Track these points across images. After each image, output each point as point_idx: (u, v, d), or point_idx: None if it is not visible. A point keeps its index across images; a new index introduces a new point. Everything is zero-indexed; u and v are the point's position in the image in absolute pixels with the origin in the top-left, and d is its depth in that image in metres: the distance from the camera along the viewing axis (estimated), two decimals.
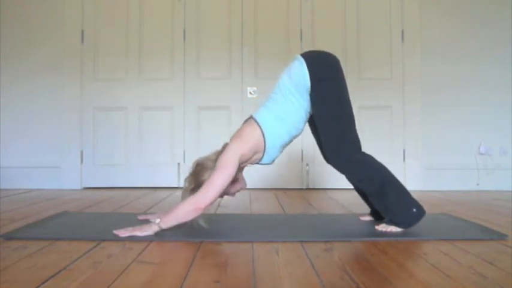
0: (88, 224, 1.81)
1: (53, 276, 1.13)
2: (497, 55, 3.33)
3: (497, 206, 2.43)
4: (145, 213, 2.12)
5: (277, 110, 1.71)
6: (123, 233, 1.57)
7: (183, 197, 1.67)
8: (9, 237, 1.56)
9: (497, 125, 3.32)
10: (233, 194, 1.83)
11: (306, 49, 3.36)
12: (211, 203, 1.57)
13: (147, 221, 1.73)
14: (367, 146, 3.44)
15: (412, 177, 3.30)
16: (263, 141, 1.69)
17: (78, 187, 3.33)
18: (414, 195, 1.72)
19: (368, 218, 1.92)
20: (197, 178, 1.67)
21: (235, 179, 1.74)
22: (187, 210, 1.56)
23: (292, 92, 1.70)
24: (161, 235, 1.57)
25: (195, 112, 3.37)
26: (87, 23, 3.39)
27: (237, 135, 1.71)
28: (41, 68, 3.36)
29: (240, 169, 1.74)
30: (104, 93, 3.37)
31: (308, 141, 3.27)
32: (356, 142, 1.74)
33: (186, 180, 1.72)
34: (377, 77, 3.37)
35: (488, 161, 3.32)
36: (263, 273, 1.16)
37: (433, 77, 3.34)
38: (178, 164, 3.35)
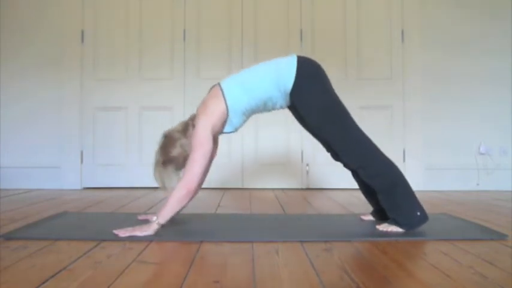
0: (88, 224, 1.81)
1: (53, 276, 1.13)
2: (498, 55, 3.33)
3: (497, 206, 2.43)
4: (145, 213, 2.12)
5: (245, 80, 1.73)
6: (123, 233, 1.57)
7: (155, 172, 1.72)
8: (9, 237, 1.56)
9: (497, 125, 3.32)
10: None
11: (306, 49, 3.37)
12: (199, 182, 1.64)
13: (147, 221, 1.73)
14: None
15: (412, 177, 3.29)
16: (226, 112, 1.71)
17: (78, 187, 3.33)
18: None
19: (369, 218, 1.92)
20: (165, 150, 1.72)
21: (214, 144, 1.79)
22: (180, 196, 1.59)
23: (271, 77, 1.71)
24: (161, 235, 1.57)
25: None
26: (87, 23, 3.39)
27: (202, 107, 1.73)
28: (40, 68, 3.36)
29: (214, 139, 1.77)
30: (104, 93, 3.38)
31: (308, 141, 3.28)
32: (362, 134, 1.73)
33: (156, 153, 1.75)
34: (377, 76, 3.37)
35: (488, 161, 3.32)
36: (263, 273, 1.16)
37: (433, 77, 3.34)
38: None
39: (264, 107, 1.79)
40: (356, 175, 1.83)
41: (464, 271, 1.19)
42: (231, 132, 1.80)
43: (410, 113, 3.34)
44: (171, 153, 1.71)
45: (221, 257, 1.32)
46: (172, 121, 3.36)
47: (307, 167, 3.35)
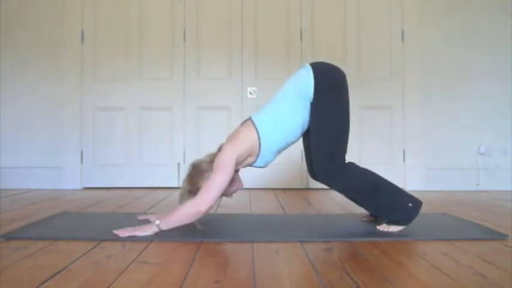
0: (88, 224, 1.81)
1: (53, 276, 1.13)
2: (498, 55, 3.32)
3: (497, 206, 2.43)
4: (145, 213, 2.12)
5: (276, 112, 1.71)
6: (123, 233, 1.57)
7: (181, 200, 1.68)
8: (9, 237, 1.56)
9: (497, 124, 3.32)
10: (230, 195, 1.84)
11: (306, 49, 3.37)
12: (212, 206, 1.58)
13: (147, 221, 1.73)
14: (367, 146, 3.42)
15: (412, 177, 3.30)
16: (258, 144, 1.69)
17: (78, 187, 3.33)
18: (414, 195, 1.72)
19: (369, 218, 1.92)
20: (193, 180, 1.69)
21: (233, 180, 1.75)
22: (188, 213, 1.56)
23: (294, 98, 1.70)
24: (161, 235, 1.57)
25: (195, 112, 3.37)
26: (87, 23, 3.39)
27: (233, 136, 1.71)
28: (40, 68, 3.35)
29: (236, 170, 1.74)
30: (104, 93, 3.37)
31: None
32: (343, 155, 1.73)
33: (183, 182, 1.73)
34: (377, 77, 3.37)
35: (488, 161, 3.32)
36: (263, 273, 1.16)
37: (433, 77, 3.34)
38: (178, 164, 3.35)
39: (300, 133, 1.75)
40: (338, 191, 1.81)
41: (464, 271, 1.19)
42: (260, 167, 1.78)
43: (410, 113, 3.34)
44: (198, 184, 1.67)
45: (221, 257, 1.32)
46: (172, 121, 3.37)
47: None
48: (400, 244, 1.50)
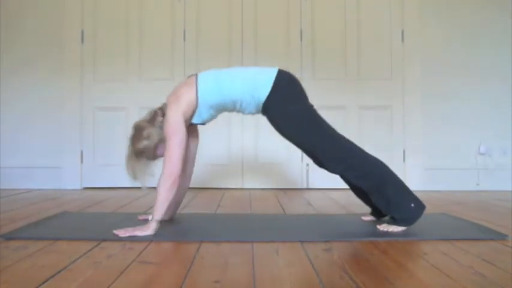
0: (88, 224, 1.81)
1: (53, 276, 1.13)
2: (499, 55, 3.32)
3: (497, 206, 2.43)
4: (145, 213, 2.12)
5: (221, 78, 1.72)
6: (123, 233, 1.57)
7: (127, 164, 1.71)
8: (9, 237, 1.56)
9: (497, 124, 3.32)
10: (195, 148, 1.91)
11: (306, 49, 3.37)
12: (181, 167, 1.62)
13: (147, 221, 1.73)
14: (367, 146, 3.45)
15: (412, 177, 3.30)
16: (196, 99, 1.69)
17: (78, 187, 3.33)
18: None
19: (370, 218, 1.92)
20: (134, 141, 1.71)
21: (193, 135, 1.82)
22: (166, 188, 1.59)
23: (247, 84, 1.70)
24: (161, 235, 1.58)
25: None
26: (87, 23, 3.39)
27: (173, 96, 1.72)
28: (40, 68, 3.35)
29: (191, 129, 1.79)
30: (104, 93, 3.37)
31: None
32: (341, 138, 1.73)
33: (128, 146, 1.74)
34: (377, 77, 3.37)
35: (488, 161, 3.32)
36: (263, 273, 1.16)
37: (433, 77, 3.34)
38: None
39: (233, 107, 1.77)
40: (344, 178, 1.82)
41: (464, 271, 1.19)
42: (198, 123, 1.80)
43: (410, 113, 3.34)
44: (140, 144, 1.69)
45: (221, 257, 1.32)
46: None
47: (307, 167, 3.35)
48: (400, 244, 1.50)
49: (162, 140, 1.70)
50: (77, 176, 3.34)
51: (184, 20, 3.39)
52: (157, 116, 1.74)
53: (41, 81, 3.36)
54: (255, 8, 3.39)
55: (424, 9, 3.36)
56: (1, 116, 3.36)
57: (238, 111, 1.81)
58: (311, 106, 1.76)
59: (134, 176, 1.71)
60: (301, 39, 3.37)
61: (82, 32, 3.37)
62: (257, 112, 1.80)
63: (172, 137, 1.62)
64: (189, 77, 1.79)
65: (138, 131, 1.72)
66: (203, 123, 1.82)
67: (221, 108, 1.78)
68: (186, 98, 1.69)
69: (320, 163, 1.80)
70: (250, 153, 3.36)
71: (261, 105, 1.73)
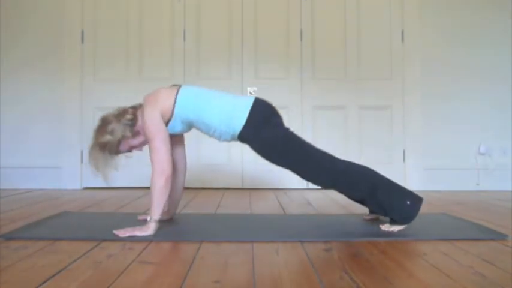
0: (88, 224, 1.81)
1: (53, 276, 1.13)
2: (499, 55, 3.32)
3: (497, 206, 2.43)
4: (145, 213, 2.12)
5: (202, 102, 1.70)
6: (123, 233, 1.57)
7: (90, 156, 1.73)
8: (9, 237, 1.56)
9: (497, 124, 3.32)
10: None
11: (306, 49, 3.37)
12: (171, 164, 1.62)
13: (146, 221, 1.73)
14: (367, 147, 3.42)
15: (412, 177, 3.30)
16: (172, 110, 1.68)
17: (78, 187, 3.33)
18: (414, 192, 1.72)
19: (371, 216, 1.91)
20: (97, 134, 1.73)
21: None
22: (160, 188, 1.60)
23: (223, 116, 1.69)
24: (161, 235, 1.58)
25: None
26: (87, 23, 3.38)
27: (152, 96, 1.72)
28: (40, 68, 3.35)
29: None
30: (104, 93, 3.37)
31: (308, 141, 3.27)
32: (322, 155, 1.72)
33: (92, 137, 1.76)
34: (377, 77, 3.37)
35: (488, 161, 3.31)
36: (263, 273, 1.16)
37: (433, 77, 3.34)
38: None
39: (207, 131, 1.77)
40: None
41: (464, 271, 1.19)
42: (170, 133, 1.77)
43: (410, 113, 3.34)
44: (103, 138, 1.70)
45: (221, 257, 1.32)
46: None
47: None
48: (400, 244, 1.50)
49: (125, 137, 1.70)
50: (77, 176, 3.34)
51: (184, 20, 3.39)
52: (127, 113, 1.74)
53: (41, 81, 3.35)
54: (255, 8, 3.39)
55: (424, 9, 3.36)
56: (1, 116, 3.36)
57: (212, 137, 1.80)
58: (286, 129, 1.76)
59: (96, 168, 1.71)
60: (301, 39, 3.37)
61: (82, 32, 3.37)
62: (233, 140, 1.79)
63: (154, 136, 1.63)
64: (172, 85, 1.79)
65: (102, 125, 1.73)
66: (174, 135, 1.80)
67: (192, 126, 1.79)
68: (164, 104, 1.68)
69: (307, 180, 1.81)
70: (250, 153, 3.34)
71: (236, 134, 1.72)
